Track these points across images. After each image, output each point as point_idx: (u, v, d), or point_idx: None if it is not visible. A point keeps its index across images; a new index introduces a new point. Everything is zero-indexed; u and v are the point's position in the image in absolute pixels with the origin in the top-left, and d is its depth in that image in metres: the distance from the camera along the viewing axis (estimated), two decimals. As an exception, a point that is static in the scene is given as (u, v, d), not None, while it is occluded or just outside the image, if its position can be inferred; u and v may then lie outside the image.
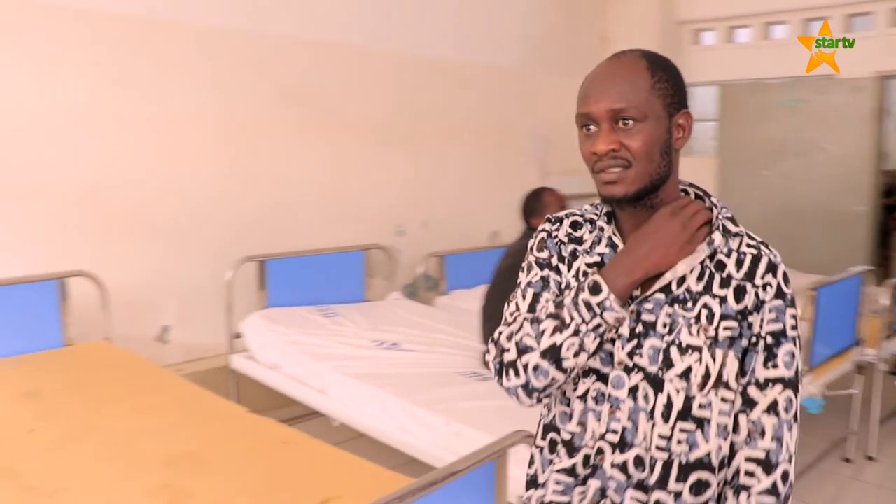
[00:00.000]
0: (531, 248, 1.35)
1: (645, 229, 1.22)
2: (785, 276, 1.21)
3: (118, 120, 3.67)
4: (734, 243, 1.23)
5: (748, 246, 1.23)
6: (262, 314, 3.86)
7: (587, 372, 1.25)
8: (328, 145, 4.60)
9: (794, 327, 1.21)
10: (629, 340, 1.22)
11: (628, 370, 1.22)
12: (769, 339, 1.19)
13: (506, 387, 1.25)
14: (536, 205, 3.46)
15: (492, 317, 3.37)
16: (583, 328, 1.18)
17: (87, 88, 3.57)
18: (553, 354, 1.19)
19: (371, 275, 4.59)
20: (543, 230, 1.36)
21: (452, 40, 5.25)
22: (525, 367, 1.21)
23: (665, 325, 1.20)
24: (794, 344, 1.20)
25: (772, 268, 1.21)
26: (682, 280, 1.21)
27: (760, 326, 1.19)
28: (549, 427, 1.32)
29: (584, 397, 1.26)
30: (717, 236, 1.22)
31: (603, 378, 1.23)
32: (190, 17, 3.90)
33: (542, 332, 1.21)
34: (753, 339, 1.20)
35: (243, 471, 2.25)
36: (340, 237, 4.53)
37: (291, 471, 2.26)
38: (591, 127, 1.22)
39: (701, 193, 1.31)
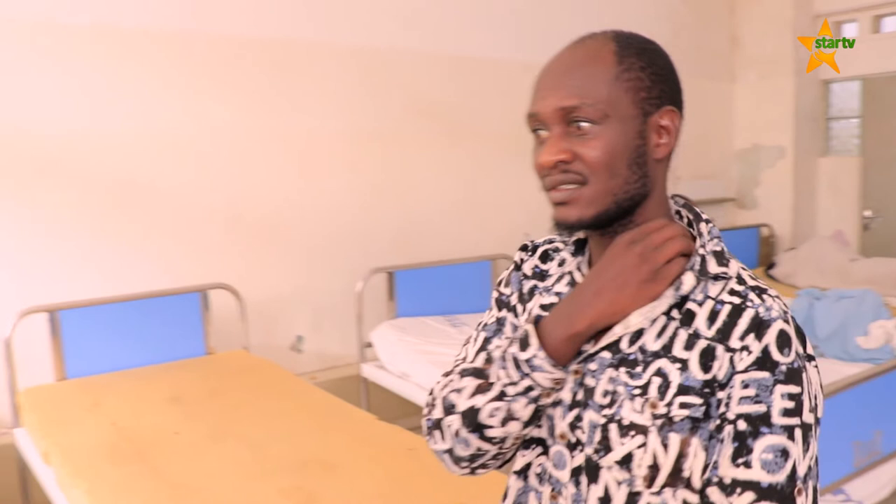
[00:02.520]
0: (497, 282, 1.12)
1: (598, 265, 0.93)
2: (782, 338, 0.84)
3: (257, 140, 3.85)
4: (714, 288, 0.90)
5: (731, 293, 0.89)
6: (391, 324, 3.94)
7: (530, 442, 1.00)
8: (456, 157, 4.65)
9: (792, 413, 0.83)
10: (570, 409, 0.94)
11: (571, 446, 0.94)
12: (742, 426, 0.83)
13: (433, 449, 1.02)
14: None
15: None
16: (510, 390, 0.92)
17: (228, 110, 3.76)
18: (471, 419, 0.95)
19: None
20: (514, 260, 1.12)
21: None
22: (449, 429, 0.98)
23: (606, 394, 0.91)
24: (790, 438, 0.82)
25: (758, 325, 0.85)
26: (638, 335, 0.91)
27: (727, 406, 0.85)
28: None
29: (523, 473, 1.01)
30: (689, 277, 0.90)
31: (549, 452, 0.98)
32: (324, 38, 4.05)
33: (462, 391, 0.97)
34: (721, 424, 0.85)
35: (372, 475, 2.31)
36: (467, 247, 4.57)
37: (418, 477, 2.30)
38: (542, 132, 0.96)
39: (691, 217, 0.98)
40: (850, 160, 6.04)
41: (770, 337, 0.84)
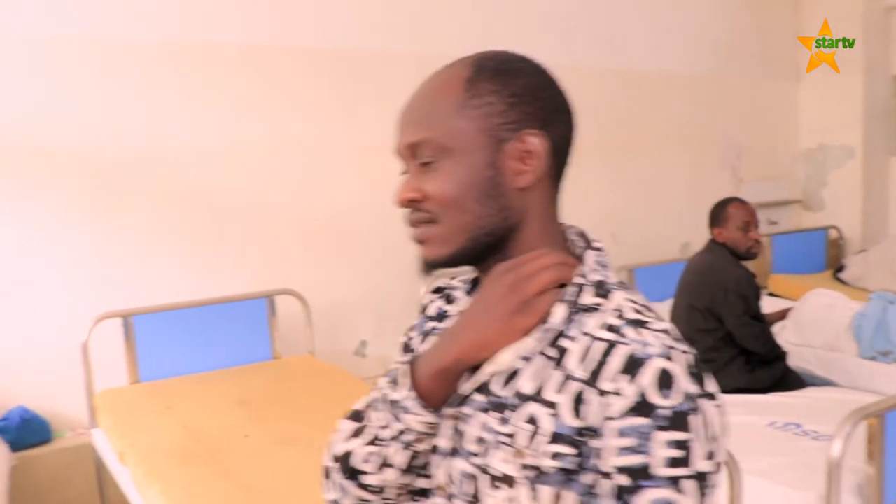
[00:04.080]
0: (410, 327, 1.04)
1: (474, 298, 0.86)
2: (663, 378, 0.73)
3: (324, 148, 3.93)
4: (590, 322, 0.80)
5: (607, 328, 0.79)
6: (453, 329, 3.95)
7: (417, 493, 0.92)
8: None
9: (680, 463, 0.72)
10: (447, 457, 0.86)
11: (450, 497, 0.86)
12: (621, 480, 0.73)
13: (325, 499, 0.95)
14: (720, 216, 3.29)
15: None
16: (383, 434, 0.86)
17: (297, 120, 3.84)
18: (345, 465, 0.90)
19: (559, 289, 4.58)
20: (422, 303, 1.05)
21: (639, 50, 5.17)
22: (332, 476, 0.93)
23: (477, 442, 0.82)
24: (677, 490, 0.71)
25: (631, 365, 0.74)
26: (513, 376, 0.82)
27: (603, 457, 0.74)
28: None
29: None
30: (560, 309, 0.81)
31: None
32: (390, 47, 4.10)
33: (340, 434, 0.92)
34: (599, 478, 0.75)
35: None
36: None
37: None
38: (405, 169, 0.90)
39: (583, 245, 0.90)
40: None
41: (646, 377, 0.73)
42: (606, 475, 0.73)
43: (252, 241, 3.76)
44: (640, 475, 0.72)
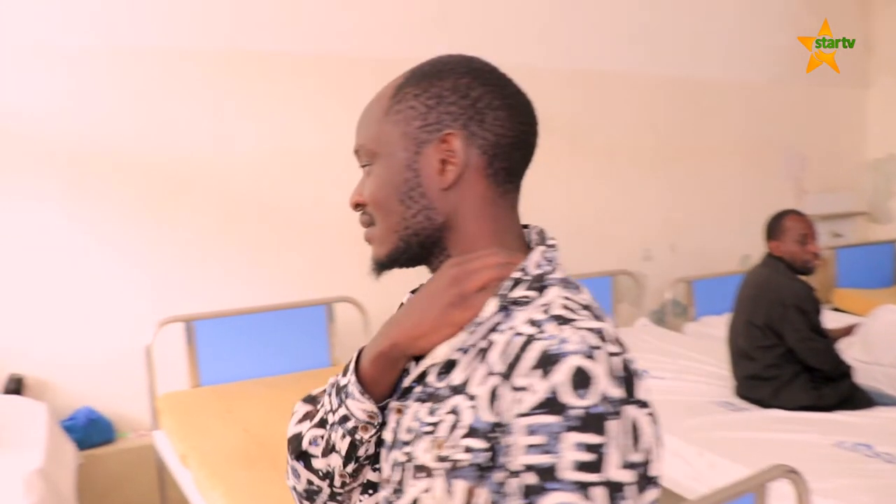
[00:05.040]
0: None
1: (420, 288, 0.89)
2: (579, 376, 0.69)
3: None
4: (519, 317, 0.78)
5: (531, 322, 0.76)
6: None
7: (372, 486, 0.92)
8: (574, 171, 4.63)
9: (590, 467, 0.67)
10: (391, 450, 0.86)
11: (397, 490, 0.85)
12: (529, 479, 0.69)
13: (288, 486, 0.97)
14: (777, 229, 3.19)
15: (739, 354, 3.22)
16: (330, 418, 0.88)
17: (351, 127, 3.86)
18: (295, 446, 0.92)
19: (618, 300, 4.55)
20: (402, 302, 1.06)
21: (698, 58, 5.10)
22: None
23: (409, 431, 0.83)
24: (585, 497, 0.67)
25: (545, 361, 0.71)
26: (449, 368, 0.82)
27: (512, 454, 0.71)
28: None
29: None
30: (492, 305, 0.81)
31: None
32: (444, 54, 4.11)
33: (294, 416, 0.95)
34: (508, 476, 0.72)
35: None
36: (587, 263, 4.53)
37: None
38: None
39: (535, 243, 0.89)
40: None
41: (560, 375, 0.70)
42: (515, 473, 0.70)
43: (310, 249, 3.80)
44: (547, 476, 0.68)
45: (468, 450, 0.75)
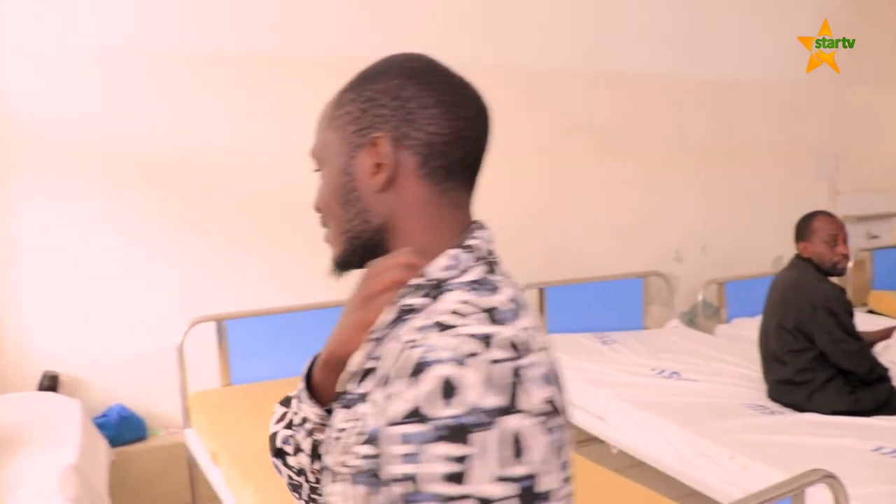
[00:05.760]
0: None
1: None
2: (446, 385, 0.67)
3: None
4: (409, 325, 0.76)
5: (417, 330, 0.73)
6: (540, 340, 3.92)
7: None
8: (607, 173, 4.60)
9: (456, 479, 0.65)
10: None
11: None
12: (398, 489, 0.68)
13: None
14: (806, 230, 3.15)
15: (770, 358, 3.17)
16: (294, 419, 0.93)
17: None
18: (273, 444, 0.97)
19: (649, 302, 4.51)
20: None
21: (728, 59, 5.04)
22: None
23: (329, 437, 0.84)
24: None
25: (416, 370, 0.68)
26: (368, 373, 0.80)
27: (384, 463, 0.71)
28: None
29: None
30: (389, 313, 0.80)
31: None
32: (479, 58, 4.10)
33: (273, 416, 0.99)
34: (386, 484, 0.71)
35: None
36: (618, 264, 4.50)
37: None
38: None
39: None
40: None
41: (427, 383, 0.67)
42: (390, 482, 0.69)
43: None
44: (413, 487, 0.66)
45: (364, 457, 0.74)
